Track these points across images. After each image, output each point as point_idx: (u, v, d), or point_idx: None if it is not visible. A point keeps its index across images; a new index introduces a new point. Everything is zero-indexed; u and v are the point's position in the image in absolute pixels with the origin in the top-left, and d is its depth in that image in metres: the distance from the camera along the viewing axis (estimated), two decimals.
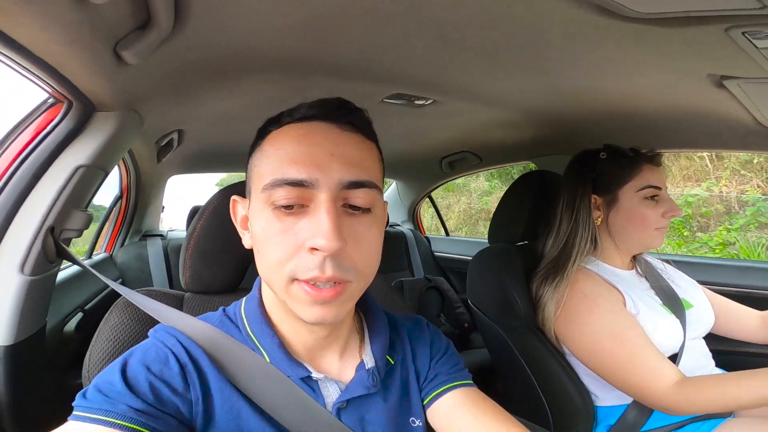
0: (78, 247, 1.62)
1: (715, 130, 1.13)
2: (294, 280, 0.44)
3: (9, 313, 0.70)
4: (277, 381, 0.48)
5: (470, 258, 1.19)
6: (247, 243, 0.51)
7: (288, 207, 0.43)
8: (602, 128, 1.29)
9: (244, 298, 0.56)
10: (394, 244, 2.27)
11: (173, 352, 0.47)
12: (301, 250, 0.43)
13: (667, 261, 1.10)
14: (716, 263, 1.44)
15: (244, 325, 0.53)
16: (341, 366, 0.53)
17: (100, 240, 1.64)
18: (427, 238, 2.49)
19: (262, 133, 0.50)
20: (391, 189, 2.60)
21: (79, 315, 1.11)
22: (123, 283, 1.57)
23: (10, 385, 0.70)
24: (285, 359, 0.50)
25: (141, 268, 1.64)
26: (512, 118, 1.35)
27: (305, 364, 0.51)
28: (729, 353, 1.07)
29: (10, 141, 0.71)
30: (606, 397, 0.92)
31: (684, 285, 1.02)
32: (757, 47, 0.60)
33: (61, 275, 1.14)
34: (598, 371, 0.87)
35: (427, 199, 2.57)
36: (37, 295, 0.76)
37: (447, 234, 2.67)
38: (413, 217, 2.59)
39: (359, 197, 0.45)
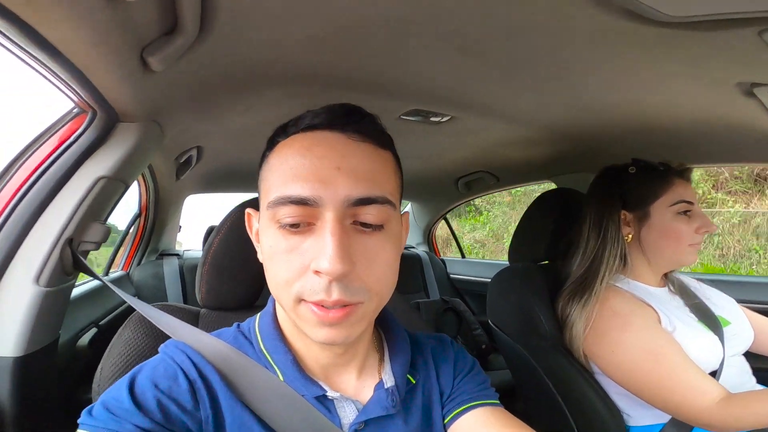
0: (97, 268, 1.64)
1: (745, 143, 1.09)
2: (301, 300, 0.41)
3: (21, 325, 0.69)
4: (290, 400, 0.46)
5: (487, 280, 1.16)
6: (260, 257, 0.49)
7: (294, 225, 0.41)
8: (625, 144, 1.26)
9: (259, 314, 0.54)
10: (408, 266, 2.25)
11: (182, 369, 0.45)
12: (307, 271, 0.41)
13: (701, 280, 1.05)
14: (752, 281, 1.37)
15: (258, 341, 0.51)
16: (359, 385, 0.50)
17: (117, 258, 1.66)
18: (442, 260, 2.45)
19: (271, 144, 0.48)
20: (406, 210, 2.59)
21: (93, 330, 1.10)
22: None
23: (17, 397, 0.68)
24: (299, 377, 0.47)
25: (157, 287, 1.65)
26: (532, 135, 1.34)
27: (320, 383, 0.48)
28: None
29: (33, 149, 0.72)
30: (640, 417, 0.86)
31: (721, 302, 0.98)
32: None
33: (78, 291, 1.14)
34: (634, 390, 0.83)
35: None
36: (52, 308, 0.75)
37: (463, 256, 2.62)
38: (429, 239, 2.56)
39: (370, 214, 0.42)
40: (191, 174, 1.45)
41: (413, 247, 2.48)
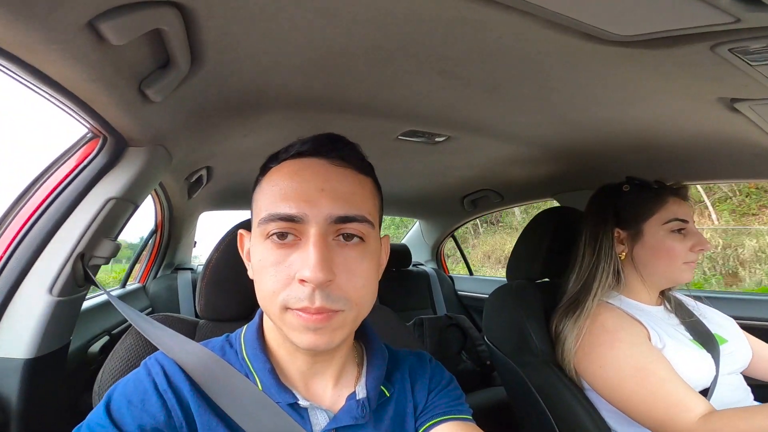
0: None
1: (740, 159, 1.09)
2: (287, 308, 0.45)
3: (33, 330, 0.74)
4: (264, 407, 0.48)
5: None
6: (250, 274, 0.52)
7: (281, 236, 0.45)
8: (624, 162, 1.27)
9: (246, 325, 0.58)
10: (416, 283, 2.26)
11: (154, 381, 0.48)
12: (293, 282, 0.44)
13: (699, 297, 1.04)
14: (751, 298, 1.33)
15: (241, 349, 0.54)
16: (335, 395, 0.53)
17: (134, 272, 1.75)
18: (450, 277, 2.46)
19: (264, 170, 0.52)
20: (414, 228, 2.61)
21: (105, 338, 1.16)
22: (153, 311, 1.64)
23: (25, 397, 0.73)
24: (274, 384, 0.50)
25: (170, 299, 1.72)
26: (529, 153, 1.35)
27: (293, 391, 0.51)
28: None
29: (52, 171, 0.79)
30: None
31: (718, 320, 0.96)
32: (750, 64, 0.58)
33: (93, 301, 1.21)
34: (620, 406, 0.82)
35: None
36: (63, 315, 0.80)
37: (470, 273, 2.62)
38: (437, 256, 2.57)
39: (351, 227, 0.46)
40: (203, 192, 1.52)
41: (421, 264, 2.50)
